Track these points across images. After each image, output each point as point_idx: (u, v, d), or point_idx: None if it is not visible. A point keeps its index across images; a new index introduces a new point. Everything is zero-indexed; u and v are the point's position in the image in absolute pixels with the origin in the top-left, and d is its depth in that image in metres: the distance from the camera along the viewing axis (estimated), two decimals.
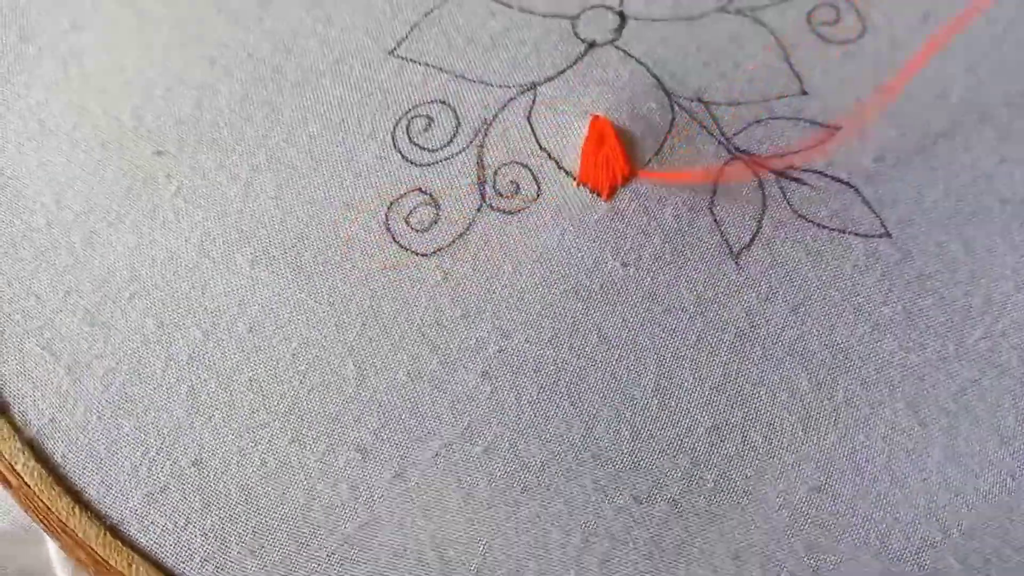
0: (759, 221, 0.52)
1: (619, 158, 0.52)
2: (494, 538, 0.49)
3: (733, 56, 0.55)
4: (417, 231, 0.52)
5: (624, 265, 0.51)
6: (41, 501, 0.49)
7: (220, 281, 0.52)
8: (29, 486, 0.49)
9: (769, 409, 0.50)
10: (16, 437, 0.50)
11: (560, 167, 0.53)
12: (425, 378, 0.50)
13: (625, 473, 0.49)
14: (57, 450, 0.50)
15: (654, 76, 0.55)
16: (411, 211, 0.52)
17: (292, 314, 0.51)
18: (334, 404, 0.50)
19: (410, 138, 0.54)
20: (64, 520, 0.49)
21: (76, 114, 0.55)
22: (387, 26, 0.56)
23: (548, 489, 0.49)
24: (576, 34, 0.56)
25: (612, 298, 0.51)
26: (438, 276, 0.51)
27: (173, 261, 0.52)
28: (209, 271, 0.52)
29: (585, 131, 0.53)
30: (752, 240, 0.52)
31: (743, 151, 0.53)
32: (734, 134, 0.53)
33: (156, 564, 0.49)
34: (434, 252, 0.52)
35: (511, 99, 0.54)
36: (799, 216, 0.52)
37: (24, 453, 0.50)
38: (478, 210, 0.52)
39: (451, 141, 0.53)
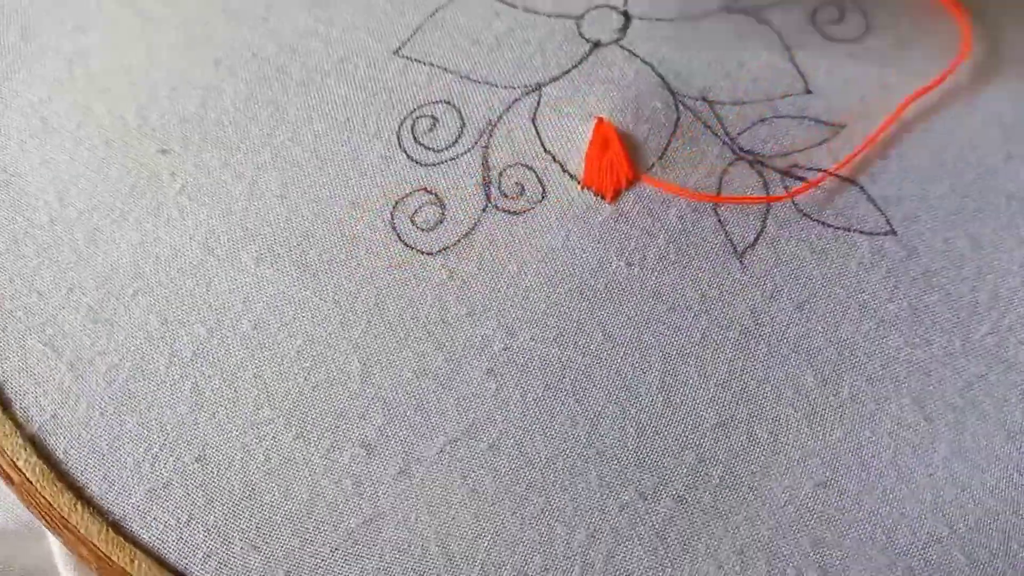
0: (763, 220, 0.52)
1: (623, 163, 0.52)
2: (499, 534, 0.49)
3: (737, 55, 0.56)
4: (423, 230, 0.52)
5: (629, 265, 0.51)
6: (43, 497, 0.49)
7: (225, 278, 0.51)
8: (31, 482, 0.49)
9: (774, 406, 0.50)
10: (18, 433, 0.50)
11: (565, 170, 0.53)
12: (430, 375, 0.50)
13: (630, 469, 0.49)
14: (59, 446, 0.50)
15: (659, 75, 0.55)
16: (416, 210, 0.52)
17: (297, 311, 0.51)
18: (339, 401, 0.50)
19: (415, 138, 0.54)
20: (66, 516, 0.49)
21: (80, 113, 0.55)
22: (391, 27, 0.56)
23: (553, 485, 0.49)
24: (581, 34, 0.56)
25: (617, 297, 0.51)
26: (443, 275, 0.51)
27: (177, 258, 0.52)
28: (214, 268, 0.52)
29: (589, 135, 0.53)
30: (756, 239, 0.52)
31: (747, 151, 0.53)
32: (738, 133, 0.54)
33: (159, 560, 0.49)
34: (439, 251, 0.52)
35: (516, 100, 0.54)
36: (803, 215, 0.52)
37: (26, 449, 0.49)
38: (483, 210, 0.52)
39: (456, 142, 0.53)
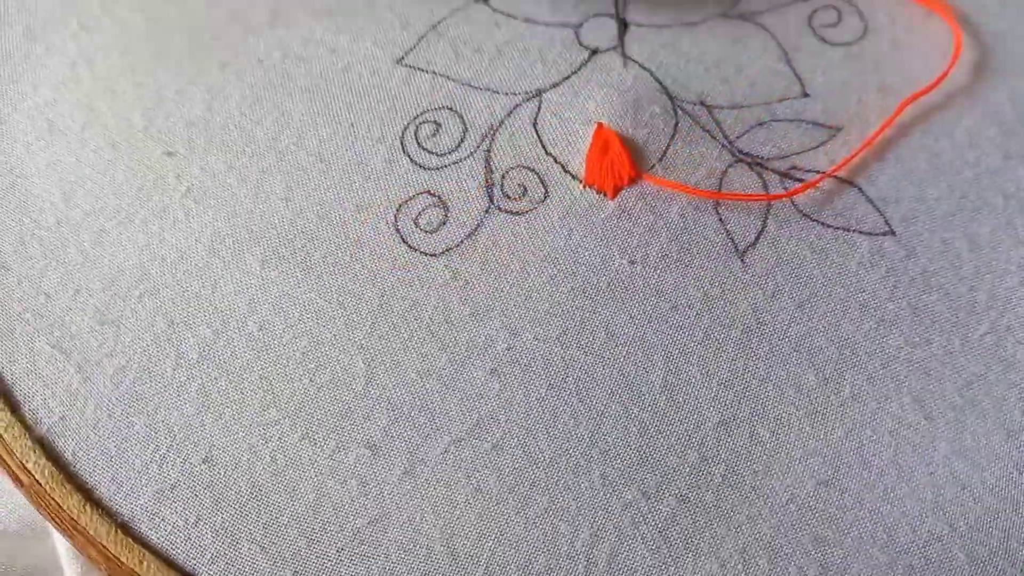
0: (764, 220, 0.53)
1: (624, 163, 0.53)
2: (503, 533, 0.49)
3: (735, 60, 0.57)
4: (426, 232, 0.52)
5: (631, 263, 0.52)
6: (52, 499, 0.49)
7: (230, 280, 0.52)
8: (40, 484, 0.49)
9: (776, 404, 0.50)
10: (27, 435, 0.50)
11: (566, 171, 0.53)
12: (434, 375, 0.51)
13: (633, 468, 0.49)
14: (68, 448, 0.50)
15: (657, 81, 0.55)
16: (420, 213, 0.53)
17: (302, 313, 0.51)
18: (344, 402, 0.50)
19: (418, 143, 0.54)
20: (75, 518, 0.49)
21: (86, 114, 0.55)
22: (395, 37, 0.57)
23: (557, 484, 0.49)
24: (579, 42, 0.57)
25: (619, 295, 0.51)
26: (447, 276, 0.52)
27: (183, 260, 0.52)
28: (219, 270, 0.52)
29: (590, 138, 0.54)
30: (757, 238, 0.52)
31: (746, 153, 0.54)
32: (737, 137, 0.54)
33: (167, 561, 0.49)
34: (443, 252, 0.52)
35: (517, 106, 0.55)
36: (803, 215, 0.53)
37: (35, 451, 0.50)
38: (486, 212, 0.53)
39: (459, 146, 0.54)
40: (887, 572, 0.49)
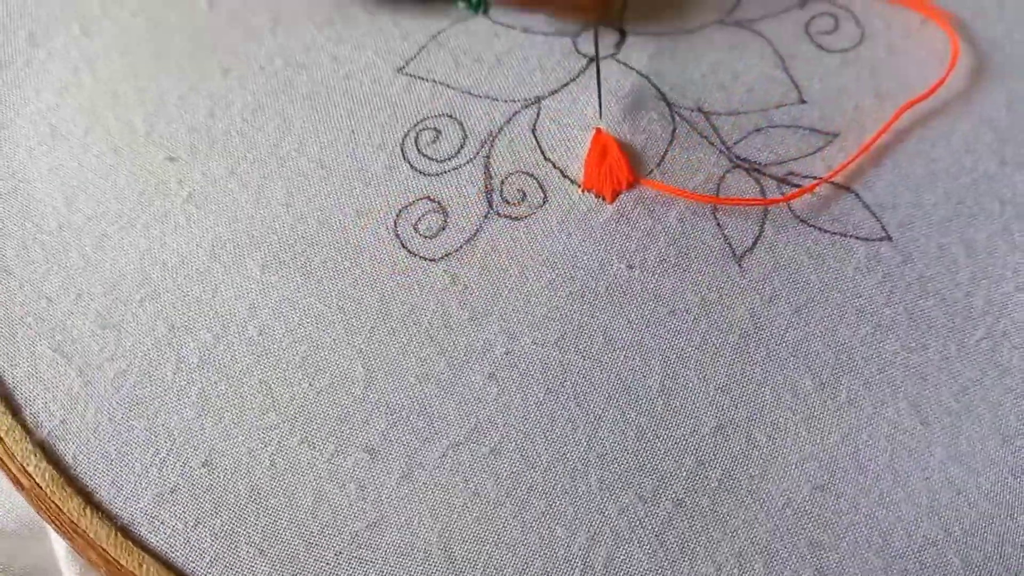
0: (761, 225, 0.53)
1: (622, 168, 0.53)
2: (501, 537, 0.49)
3: (732, 67, 0.57)
4: (425, 237, 0.53)
5: (629, 267, 0.52)
6: (53, 502, 0.50)
7: (231, 285, 0.52)
8: (41, 487, 0.50)
9: (773, 409, 0.50)
10: (28, 439, 0.50)
11: (565, 176, 0.54)
12: (433, 380, 0.51)
13: (630, 473, 0.50)
14: (68, 452, 0.50)
15: (655, 87, 0.56)
16: (420, 218, 0.53)
17: (302, 318, 0.52)
18: (343, 406, 0.51)
19: (419, 149, 0.55)
20: (76, 521, 0.49)
21: (88, 119, 0.56)
22: (396, 46, 0.58)
23: (554, 488, 0.49)
24: (577, 50, 0.57)
25: (617, 300, 0.52)
26: (446, 280, 0.52)
27: (184, 265, 0.53)
28: (220, 275, 0.52)
29: (588, 144, 0.54)
30: (755, 243, 0.53)
31: (744, 159, 0.54)
32: (735, 143, 0.55)
33: (167, 564, 0.49)
34: (442, 257, 0.52)
35: (516, 112, 0.55)
36: (800, 220, 0.53)
37: (36, 455, 0.50)
38: (485, 217, 0.53)
39: (458, 152, 0.54)
40: None
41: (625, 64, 0.57)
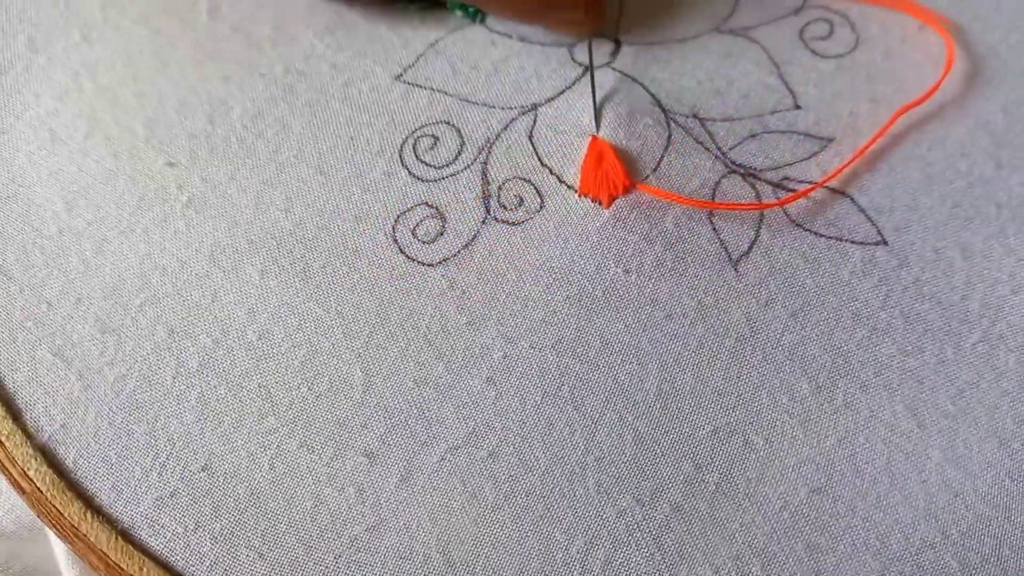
0: (757, 230, 0.53)
1: (618, 173, 0.53)
2: (499, 541, 0.49)
3: (727, 74, 0.57)
4: (423, 242, 0.53)
5: (626, 272, 0.52)
6: (53, 506, 0.50)
7: (230, 290, 0.52)
8: (41, 492, 0.50)
9: (770, 412, 0.51)
10: (28, 443, 0.50)
11: (562, 181, 0.54)
12: (431, 384, 0.51)
13: (628, 476, 0.50)
14: (69, 456, 0.50)
15: (650, 94, 0.56)
16: (418, 224, 0.53)
17: (301, 322, 0.52)
18: (342, 410, 0.51)
19: (416, 156, 0.55)
20: (76, 525, 0.50)
21: (88, 124, 0.56)
22: (395, 54, 0.58)
23: (552, 492, 0.50)
24: (573, 59, 0.57)
25: (614, 304, 0.52)
26: (444, 285, 0.52)
27: (184, 270, 0.53)
28: (219, 280, 0.53)
29: (585, 150, 0.54)
30: (751, 248, 0.53)
31: (739, 165, 0.54)
32: (730, 148, 0.55)
33: (167, 568, 0.49)
34: (440, 262, 0.53)
35: (513, 119, 0.56)
36: (796, 225, 0.53)
37: (36, 459, 0.50)
38: (483, 222, 0.53)
39: (456, 159, 0.55)
40: None
41: (621, 72, 0.57)
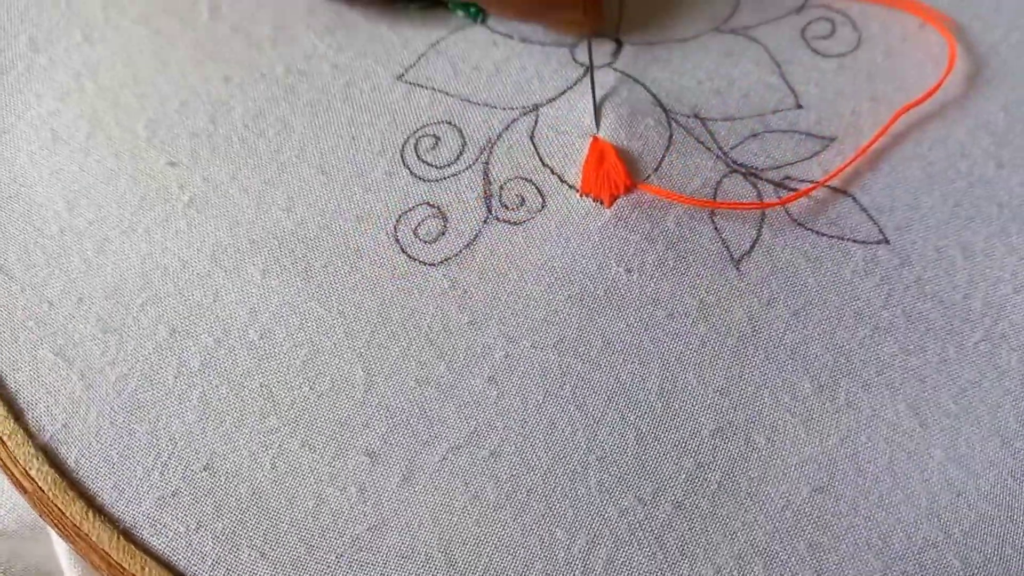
0: (759, 229, 0.53)
1: (620, 172, 0.53)
2: (501, 540, 0.49)
3: (728, 73, 0.57)
4: (425, 242, 0.53)
5: (628, 271, 0.52)
6: (55, 505, 0.50)
7: (232, 289, 0.53)
8: (43, 491, 0.50)
9: (772, 411, 0.51)
10: (30, 443, 0.50)
11: (563, 181, 0.54)
12: (432, 383, 0.51)
13: (630, 475, 0.50)
14: (70, 455, 0.50)
15: (651, 94, 0.56)
16: (419, 223, 0.53)
17: (302, 322, 0.52)
18: (343, 409, 0.51)
19: (418, 155, 0.55)
20: (78, 524, 0.49)
21: (89, 124, 0.56)
22: (396, 54, 0.58)
23: (554, 491, 0.50)
24: (575, 59, 0.58)
25: (616, 303, 0.52)
26: (445, 285, 0.52)
27: (186, 270, 0.53)
28: (221, 280, 0.53)
29: (586, 151, 0.54)
30: (752, 247, 0.53)
31: (741, 164, 0.55)
32: (731, 148, 0.55)
33: (169, 567, 0.49)
34: (441, 262, 0.53)
35: (514, 120, 0.56)
36: (797, 224, 0.53)
37: (38, 458, 0.50)
38: (484, 222, 0.53)
39: (457, 159, 0.55)
40: None
41: (622, 72, 0.57)
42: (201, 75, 0.57)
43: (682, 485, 0.50)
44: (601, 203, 0.53)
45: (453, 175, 0.55)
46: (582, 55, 0.58)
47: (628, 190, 0.53)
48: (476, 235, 0.53)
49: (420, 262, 0.53)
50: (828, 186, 0.54)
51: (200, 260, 0.53)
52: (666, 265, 0.52)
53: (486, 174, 0.54)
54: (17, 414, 0.51)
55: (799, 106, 0.56)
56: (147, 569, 0.49)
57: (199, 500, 0.50)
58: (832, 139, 0.55)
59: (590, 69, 0.56)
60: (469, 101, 0.57)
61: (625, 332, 0.52)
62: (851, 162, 0.54)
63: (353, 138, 0.56)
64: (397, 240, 0.53)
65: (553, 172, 0.54)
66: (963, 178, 0.55)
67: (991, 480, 0.50)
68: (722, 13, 0.59)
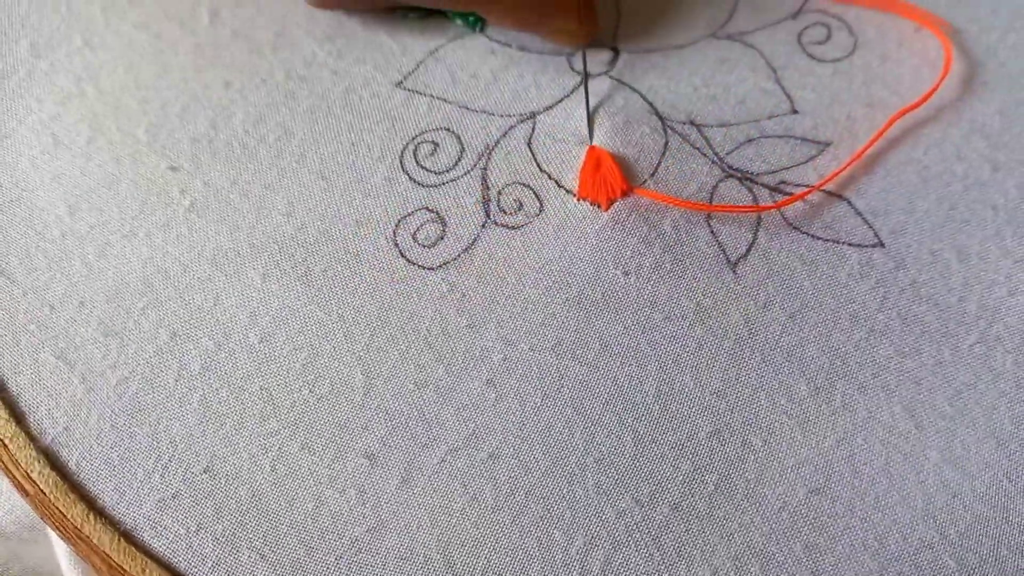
0: (755, 232, 0.53)
1: (616, 177, 0.54)
2: (499, 542, 0.49)
3: (723, 80, 0.58)
4: (424, 246, 0.53)
5: (625, 274, 0.53)
6: (56, 508, 0.50)
7: (232, 293, 0.53)
8: (45, 493, 0.50)
9: (768, 414, 0.51)
10: (32, 446, 0.51)
11: (560, 186, 0.54)
12: (431, 386, 0.51)
13: (627, 477, 0.50)
14: (72, 458, 0.51)
15: (647, 102, 0.57)
16: (418, 228, 0.54)
17: (302, 325, 0.52)
18: (343, 412, 0.51)
19: (417, 161, 0.55)
20: (79, 527, 0.50)
21: (90, 129, 0.56)
22: (395, 61, 0.58)
23: (551, 493, 0.50)
24: (572, 67, 0.58)
25: (614, 306, 0.52)
26: (444, 288, 0.53)
27: (186, 273, 0.53)
28: (221, 284, 0.53)
29: (583, 158, 0.55)
30: (748, 250, 0.53)
31: (736, 169, 0.55)
32: (727, 153, 0.55)
33: (169, 569, 0.49)
34: (440, 266, 0.53)
35: (512, 127, 0.56)
36: (793, 227, 0.54)
37: (40, 461, 0.50)
38: (483, 226, 0.54)
39: (456, 164, 0.55)
40: None
41: (618, 80, 0.58)
42: (202, 80, 0.57)
43: (679, 487, 0.50)
44: (598, 207, 0.54)
45: (452, 180, 0.55)
46: (579, 63, 0.58)
47: (625, 194, 0.54)
48: (474, 239, 0.54)
49: (419, 266, 0.53)
50: (824, 190, 0.54)
51: (201, 264, 0.53)
52: (663, 268, 0.53)
53: (484, 179, 0.55)
54: (19, 417, 0.51)
55: (795, 111, 0.57)
56: (148, 571, 0.49)
57: (199, 502, 0.50)
58: (828, 144, 0.56)
59: (584, 79, 0.57)
60: (467, 108, 0.57)
61: (622, 335, 0.52)
62: (846, 166, 0.55)
63: (353, 144, 0.56)
64: (396, 244, 0.54)
65: (550, 177, 0.55)
66: (958, 181, 0.55)
67: (987, 482, 0.50)
68: (718, 19, 0.60)
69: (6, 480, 0.51)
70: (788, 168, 0.55)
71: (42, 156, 0.56)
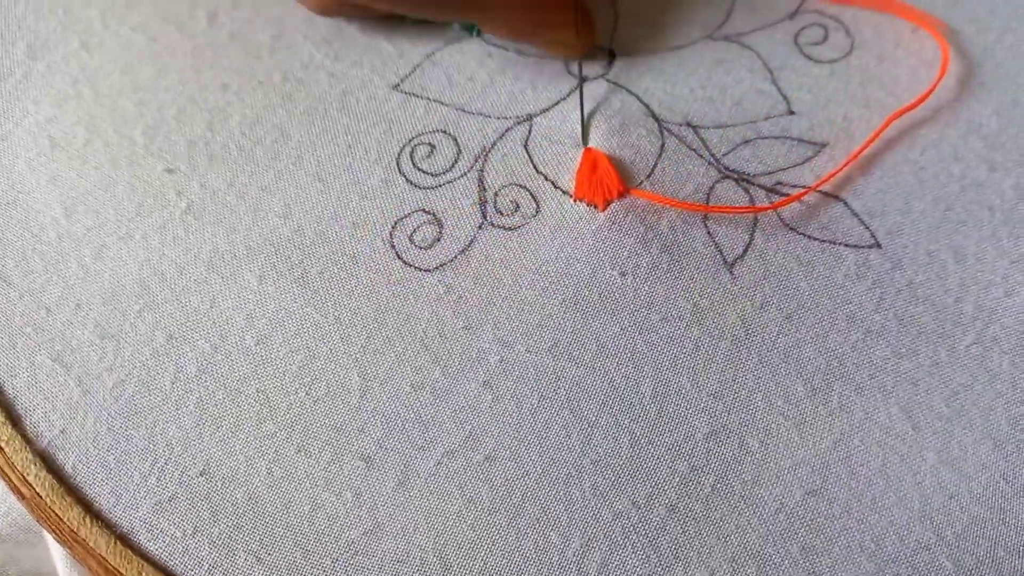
0: (751, 233, 0.53)
1: (613, 178, 0.54)
2: (495, 544, 0.49)
3: (720, 81, 0.58)
4: (420, 248, 0.53)
5: (622, 275, 0.53)
6: (53, 512, 0.50)
7: (229, 296, 0.53)
8: (41, 497, 0.50)
9: (765, 415, 0.51)
10: (28, 448, 0.51)
11: (557, 187, 0.55)
12: (428, 388, 0.51)
13: (624, 479, 0.50)
14: (68, 461, 0.51)
15: (644, 104, 0.57)
16: (415, 230, 0.54)
17: (299, 328, 0.52)
18: (339, 414, 0.51)
19: (414, 163, 0.55)
20: (75, 530, 0.50)
21: (87, 131, 0.56)
22: (392, 65, 0.58)
23: (548, 495, 0.50)
24: (568, 71, 0.58)
25: (610, 307, 0.52)
26: (440, 290, 0.53)
27: (183, 276, 0.53)
28: (218, 286, 0.53)
29: (579, 159, 0.55)
30: (745, 251, 0.53)
31: (733, 170, 0.55)
32: (723, 155, 0.56)
33: (165, 572, 0.49)
34: (437, 267, 0.53)
35: (508, 129, 0.56)
36: (790, 228, 0.54)
37: (36, 464, 0.50)
38: (479, 227, 0.54)
39: (452, 166, 0.55)
40: None
41: (615, 83, 0.58)
42: (199, 82, 0.57)
43: (676, 488, 0.50)
44: (595, 208, 0.54)
45: (448, 182, 0.55)
46: (575, 66, 0.58)
47: (621, 195, 0.54)
48: (471, 241, 0.54)
49: (416, 268, 0.53)
50: (820, 191, 0.54)
51: (197, 266, 0.53)
52: (660, 269, 0.53)
53: (481, 181, 0.55)
54: (15, 420, 0.51)
55: (791, 112, 0.57)
56: (144, 574, 0.49)
57: (195, 505, 0.50)
58: (824, 145, 0.56)
59: (579, 84, 0.57)
60: (464, 110, 0.57)
61: (619, 336, 0.52)
62: (843, 167, 0.55)
63: (349, 146, 0.56)
64: (393, 246, 0.54)
65: (547, 179, 0.55)
66: (955, 182, 0.55)
67: (983, 483, 0.50)
68: (715, 21, 0.60)
69: (2, 483, 0.51)
70: (785, 169, 0.55)
71: (39, 158, 0.56)
